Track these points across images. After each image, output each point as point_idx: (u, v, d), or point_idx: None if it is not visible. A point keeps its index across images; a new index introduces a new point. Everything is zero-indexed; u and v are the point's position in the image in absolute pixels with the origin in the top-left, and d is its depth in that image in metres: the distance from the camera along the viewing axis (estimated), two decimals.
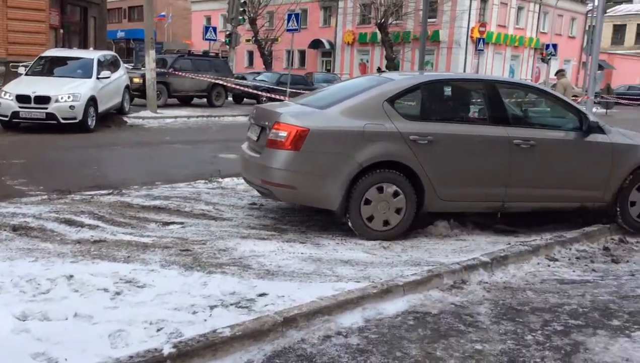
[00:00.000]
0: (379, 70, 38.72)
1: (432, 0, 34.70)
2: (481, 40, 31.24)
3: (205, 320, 3.49)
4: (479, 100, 6.16)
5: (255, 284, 4.11)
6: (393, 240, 5.40)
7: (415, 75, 6.38)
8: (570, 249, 5.38)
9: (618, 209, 6.08)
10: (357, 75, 44.42)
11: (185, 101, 21.04)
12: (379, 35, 37.21)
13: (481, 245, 5.35)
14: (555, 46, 32.47)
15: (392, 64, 35.51)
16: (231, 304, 3.74)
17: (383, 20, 34.98)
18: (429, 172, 5.43)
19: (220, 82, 21.20)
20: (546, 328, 3.71)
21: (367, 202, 5.34)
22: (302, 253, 4.92)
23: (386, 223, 5.44)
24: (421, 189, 5.46)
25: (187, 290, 3.93)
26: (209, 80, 20.68)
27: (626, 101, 31.75)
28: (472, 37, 39.36)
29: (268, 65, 37.45)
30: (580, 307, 4.07)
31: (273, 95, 22.96)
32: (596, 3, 32.31)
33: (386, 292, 3.99)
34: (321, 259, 4.79)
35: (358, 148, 5.26)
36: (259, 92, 23.72)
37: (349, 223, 5.42)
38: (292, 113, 5.54)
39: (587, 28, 41.14)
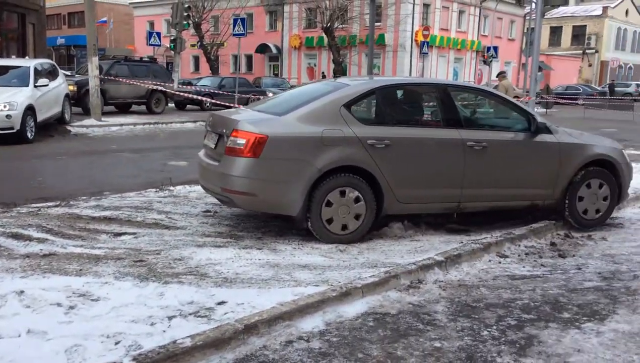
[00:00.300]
0: (323, 75, 39.05)
1: (377, 4, 35.17)
2: (425, 43, 31.95)
3: (164, 331, 3.43)
4: (432, 104, 6.24)
5: (214, 292, 4.07)
6: (350, 243, 5.45)
7: (371, 80, 6.43)
8: (519, 246, 5.55)
9: (566, 206, 6.30)
10: (305, 79, 44.69)
11: (122, 109, 20.41)
12: (326, 39, 37.49)
13: (435, 245, 5.46)
14: (496, 48, 33.47)
15: (340, 68, 35.82)
16: (190, 314, 3.69)
17: (329, 24, 35.27)
18: (387, 175, 5.50)
19: (160, 88, 20.72)
20: (501, 323, 3.82)
21: (329, 204, 5.37)
22: (259, 259, 4.90)
23: (345, 227, 5.48)
24: (380, 193, 5.52)
25: (144, 302, 3.86)
26: (147, 86, 20.17)
27: (564, 101, 32.98)
28: (416, 40, 40.11)
29: (215, 70, 37.14)
30: (531, 302, 4.21)
31: (216, 101, 22.74)
32: (534, 6, 33.50)
33: (345, 294, 4.02)
34: (279, 265, 4.79)
35: (317, 154, 5.28)
36: (202, 98, 23.44)
37: (310, 227, 5.43)
38: (250, 120, 5.50)
39: (525, 30, 42.53)
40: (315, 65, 45.98)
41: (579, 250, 5.66)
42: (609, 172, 6.42)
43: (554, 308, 4.09)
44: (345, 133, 5.39)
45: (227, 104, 23.11)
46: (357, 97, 5.71)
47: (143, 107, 20.89)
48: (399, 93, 6.44)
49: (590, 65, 60.89)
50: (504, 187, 6.05)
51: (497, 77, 18.14)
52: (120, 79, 19.26)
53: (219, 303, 3.88)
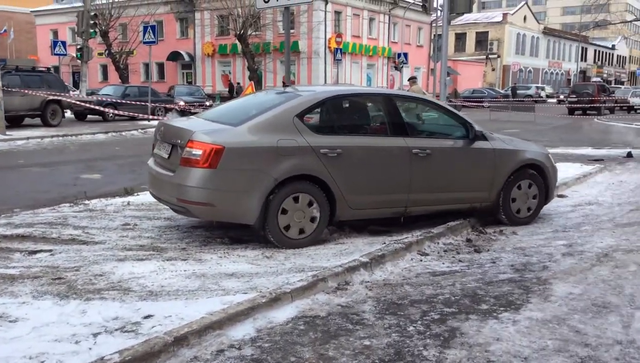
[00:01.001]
0: (250, 78, 38.74)
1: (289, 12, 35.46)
2: (339, 50, 32.46)
3: (90, 348, 3.33)
4: (380, 113, 6.45)
5: (139, 307, 3.99)
6: (306, 247, 5.59)
7: (321, 90, 6.52)
8: (438, 243, 5.79)
9: (501, 207, 6.72)
10: (220, 87, 44.24)
11: (14, 121, 18.94)
12: (240, 47, 37.33)
13: (359, 247, 5.58)
14: (406, 55, 34.61)
15: (255, 75, 35.74)
16: (116, 329, 3.60)
17: (242, 31, 35.15)
18: (339, 183, 5.66)
19: (56, 98, 19.59)
20: (425, 318, 3.98)
21: (284, 211, 5.48)
22: (184, 270, 4.83)
23: (302, 231, 5.60)
24: (333, 200, 5.67)
25: (66, 320, 3.72)
26: (41, 97, 19.05)
27: (471, 104, 34.53)
28: (329, 47, 40.77)
29: (124, 79, 36.02)
30: (452, 296, 4.41)
31: (120, 111, 22.00)
32: (440, 14, 34.85)
33: (275, 300, 4.05)
34: (205, 274, 4.74)
35: (273, 163, 5.38)
36: (104, 108, 22.49)
37: (268, 235, 5.52)
38: (205, 131, 5.46)
39: (432, 37, 44.19)
40: (230, 72, 45.63)
41: (492, 245, 5.98)
42: (538, 174, 6.90)
43: (473, 301, 4.30)
44: (299, 143, 5.51)
45: (131, 114, 22.46)
46: (309, 107, 5.83)
47: (38, 120, 19.63)
48: (348, 103, 6.56)
49: (493, 70, 64.15)
50: (446, 191, 6.37)
51: (408, 81, 18.74)
52: (13, 90, 17.92)
53: (146, 317, 3.80)
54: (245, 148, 5.37)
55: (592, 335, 3.71)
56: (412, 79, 17.91)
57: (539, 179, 6.93)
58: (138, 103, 23.38)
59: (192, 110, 23.78)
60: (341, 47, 34.09)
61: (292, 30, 41.98)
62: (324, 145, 5.61)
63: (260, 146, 5.40)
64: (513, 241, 6.12)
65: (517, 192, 6.80)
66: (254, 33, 37.88)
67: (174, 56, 46.40)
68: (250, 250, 5.52)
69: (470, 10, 10.32)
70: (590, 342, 3.61)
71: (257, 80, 34.99)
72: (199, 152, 5.23)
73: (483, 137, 6.57)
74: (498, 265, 5.22)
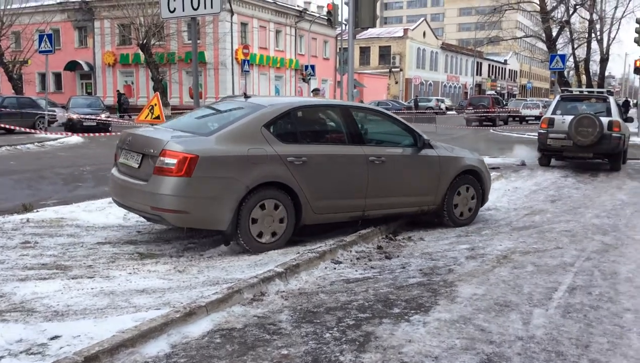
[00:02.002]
0: (154, 89, 37.60)
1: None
2: (246, 61, 32.40)
3: None
4: (339, 123, 6.75)
5: (45, 328, 3.79)
6: (278, 249, 5.83)
7: (285, 100, 6.83)
8: (350, 251, 5.91)
9: (445, 210, 7.26)
10: (120, 98, 42.87)
11: None
12: (142, 56, 36.32)
13: (273, 258, 5.59)
14: (313, 67, 35.10)
15: (160, 86, 34.89)
16: (21, 352, 3.41)
17: (145, 41, 34.21)
18: (304, 189, 5.96)
19: None
20: (340, 324, 4.06)
21: (255, 216, 5.71)
22: (92, 288, 4.64)
23: (274, 234, 5.87)
24: (299, 205, 5.96)
25: None
26: None
27: None
28: (236, 58, 40.58)
29: (18, 89, 33.99)
30: (366, 302, 4.52)
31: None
32: (344, 28, 35.68)
33: (190, 314, 3.98)
34: (114, 292, 4.58)
35: (244, 171, 5.61)
36: None
37: (240, 241, 5.71)
38: (178, 140, 5.56)
39: (338, 50, 45.14)
40: (132, 83, 44.27)
41: (402, 251, 6.19)
42: (475, 179, 7.52)
43: (385, 305, 4.44)
44: (268, 151, 5.77)
45: (9, 127, 20.95)
46: (275, 117, 6.05)
47: None
48: (310, 113, 6.87)
49: (396, 82, 66.38)
50: (399, 195, 6.84)
51: (311, 93, 19.03)
52: None
53: (53, 338, 3.63)
54: (218, 156, 5.55)
55: (495, 333, 3.94)
56: (315, 91, 18.27)
57: (477, 183, 7.56)
58: (15, 114, 21.89)
59: (84, 123, 22.81)
60: (248, 58, 34.08)
61: (198, 41, 41.44)
62: (290, 154, 5.89)
63: (232, 155, 5.60)
64: (421, 247, 6.36)
65: (458, 197, 7.37)
66: (157, 43, 36.98)
67: (72, 66, 44.39)
68: (162, 265, 5.40)
69: (374, 25, 10.65)
70: (494, 339, 3.83)
71: (162, 90, 34.16)
72: (173, 161, 5.36)
73: (429, 146, 7.08)
74: (408, 270, 5.41)
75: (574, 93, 15.65)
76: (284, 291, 4.73)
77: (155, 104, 13.88)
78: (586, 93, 16.05)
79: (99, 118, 23.28)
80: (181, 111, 34.97)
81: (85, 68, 44.75)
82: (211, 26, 39.61)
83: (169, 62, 40.68)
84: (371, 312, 4.29)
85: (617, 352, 3.67)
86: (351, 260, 5.71)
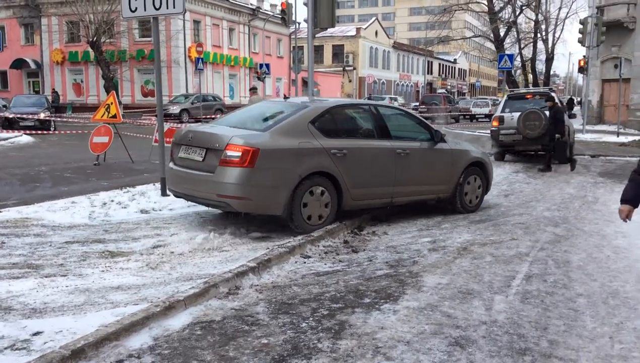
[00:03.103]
0: (105, 87, 36.81)
1: (146, 19, 34.47)
2: (200, 59, 32.10)
3: None
4: (370, 120, 7.54)
5: (25, 324, 3.84)
6: (322, 228, 6.51)
7: (324, 100, 7.70)
8: (318, 246, 6.10)
9: (457, 198, 8.09)
10: (72, 96, 41.91)
11: None
12: (92, 54, 35.57)
13: (244, 254, 5.72)
14: (268, 65, 35.01)
15: (111, 84, 34.27)
16: (5, 348, 3.46)
17: (95, 38, 33.52)
18: (345, 178, 6.70)
19: None
20: (315, 314, 4.24)
21: (305, 205, 6.41)
22: (66, 286, 4.68)
23: (320, 217, 6.56)
24: (340, 192, 6.70)
25: None
26: None
27: None
28: (190, 56, 40.16)
29: None
30: (337, 293, 4.72)
31: None
32: (298, 27, 35.83)
33: (169, 308, 4.09)
34: (89, 289, 4.63)
35: (297, 162, 6.34)
36: None
37: (294, 223, 6.38)
38: (241, 136, 6.26)
39: (292, 48, 45.23)
40: (82, 81, 43.24)
41: (367, 244, 6.41)
42: (481, 170, 8.37)
43: (356, 296, 4.64)
44: (315, 145, 6.52)
45: None
46: (319, 115, 6.85)
47: None
48: (346, 111, 7.72)
49: (350, 81, 66.91)
50: (420, 184, 7.69)
51: (249, 91, 19.12)
52: None
53: (35, 334, 3.69)
54: (275, 149, 6.26)
55: (461, 318, 4.20)
56: (253, 89, 18.44)
57: (482, 174, 8.42)
58: None
59: (22, 123, 22.21)
60: (202, 56, 33.76)
61: (149, 39, 40.84)
62: (333, 147, 6.65)
63: (286, 148, 6.33)
64: (385, 240, 6.60)
65: (468, 186, 8.21)
66: (108, 40, 36.27)
67: (19, 63, 42.98)
68: (133, 262, 5.45)
69: (333, 25, 10.87)
70: (460, 324, 4.08)
71: (113, 89, 33.51)
72: (238, 153, 6.05)
73: (443, 140, 7.94)
74: (375, 263, 5.64)
75: (521, 92, 16.69)
76: (257, 285, 4.88)
77: (112, 103, 13.77)
78: (531, 91, 17.07)
79: (37, 117, 22.61)
80: (134, 110, 34.49)
81: (33, 66, 43.42)
82: (163, 24, 39.01)
83: (120, 59, 39.96)
84: (343, 303, 4.49)
85: (572, 333, 3.98)
86: (320, 255, 5.90)
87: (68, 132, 18.53)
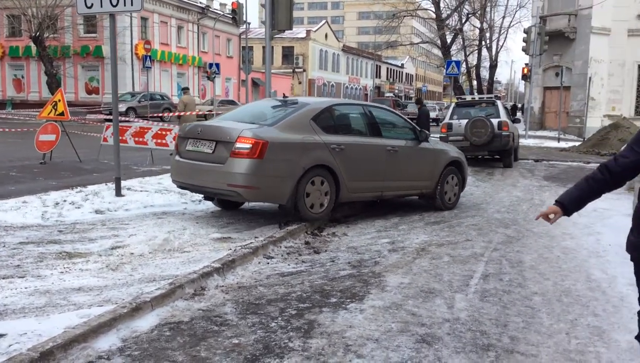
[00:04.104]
0: (48, 83, 35.65)
1: (91, 15, 33.49)
2: (147, 57, 31.49)
3: None
4: (363, 118, 8.09)
5: None
6: (322, 219, 7.17)
7: (321, 100, 8.41)
8: (280, 247, 6.13)
9: (438, 194, 8.67)
10: (12, 92, 40.40)
11: None
12: (34, 49, 34.37)
13: (205, 254, 5.68)
14: (217, 65, 34.68)
15: (54, 80, 33.20)
16: None
17: (38, 33, 32.40)
18: (342, 171, 7.21)
19: None
20: (284, 314, 4.28)
21: (307, 194, 6.87)
22: (25, 287, 4.55)
23: (321, 206, 7.06)
24: (338, 185, 7.18)
25: None
26: None
27: None
28: (137, 53, 39.34)
29: None
30: (303, 293, 4.77)
31: None
32: (248, 27, 35.66)
33: (136, 309, 4.05)
34: (50, 291, 4.52)
35: (301, 155, 6.82)
36: None
37: (298, 212, 6.84)
38: (250, 129, 6.67)
39: (242, 48, 44.99)
40: (23, 77, 41.69)
41: (328, 245, 6.49)
42: (457, 169, 8.96)
43: (323, 296, 4.71)
44: (316, 139, 7.04)
45: None
46: (319, 112, 7.37)
47: None
48: (343, 110, 8.20)
49: (300, 83, 67.07)
50: (407, 180, 8.30)
51: (182, 90, 19.05)
52: None
53: None
54: (282, 142, 6.70)
55: (425, 316, 4.32)
56: (185, 89, 18.46)
57: (459, 173, 9.01)
58: None
59: None
60: (150, 54, 33.14)
61: (95, 35, 39.89)
62: (332, 142, 7.17)
63: (291, 141, 6.80)
64: (345, 241, 6.70)
65: (447, 184, 8.79)
66: (51, 35, 35.11)
67: None
68: (92, 263, 5.34)
69: (291, 28, 10.93)
70: (425, 322, 4.21)
71: (57, 85, 32.46)
72: (249, 145, 6.44)
73: (427, 139, 8.55)
74: (337, 263, 5.71)
75: (467, 99, 17.33)
76: (223, 285, 4.87)
77: (60, 100, 13.39)
78: (477, 99, 17.75)
79: None
80: (78, 107, 33.46)
81: None
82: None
83: (64, 55, 38.78)
84: (310, 302, 4.54)
85: (531, 329, 4.17)
86: (282, 255, 5.93)
87: (7, 130, 17.79)
